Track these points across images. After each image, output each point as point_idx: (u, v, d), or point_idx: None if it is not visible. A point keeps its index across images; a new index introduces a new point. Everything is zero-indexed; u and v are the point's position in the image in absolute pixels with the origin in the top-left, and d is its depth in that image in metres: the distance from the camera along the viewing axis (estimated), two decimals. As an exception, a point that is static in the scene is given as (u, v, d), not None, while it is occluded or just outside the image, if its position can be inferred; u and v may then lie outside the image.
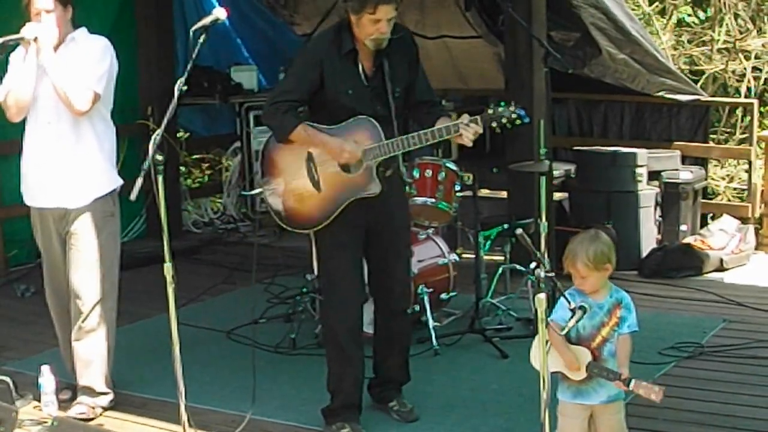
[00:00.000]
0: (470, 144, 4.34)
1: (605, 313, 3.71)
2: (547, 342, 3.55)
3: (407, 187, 4.79)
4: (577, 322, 3.60)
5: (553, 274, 3.57)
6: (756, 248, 7.73)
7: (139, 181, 3.95)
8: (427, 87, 4.72)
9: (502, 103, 4.32)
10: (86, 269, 4.81)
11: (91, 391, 4.91)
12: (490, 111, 4.31)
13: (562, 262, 3.79)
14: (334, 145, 4.44)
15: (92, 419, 4.85)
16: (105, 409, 4.95)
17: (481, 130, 4.35)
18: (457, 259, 6.20)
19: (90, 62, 4.71)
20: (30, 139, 4.83)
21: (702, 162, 8.37)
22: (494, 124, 4.32)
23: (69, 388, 5.07)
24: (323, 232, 4.58)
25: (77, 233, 4.79)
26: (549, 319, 3.63)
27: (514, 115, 4.30)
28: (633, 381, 3.57)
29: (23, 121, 4.82)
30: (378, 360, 4.90)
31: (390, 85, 4.49)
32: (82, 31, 4.84)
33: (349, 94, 4.47)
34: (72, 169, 4.75)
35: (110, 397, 4.97)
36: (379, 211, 4.57)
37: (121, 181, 4.92)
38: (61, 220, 4.82)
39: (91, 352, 4.88)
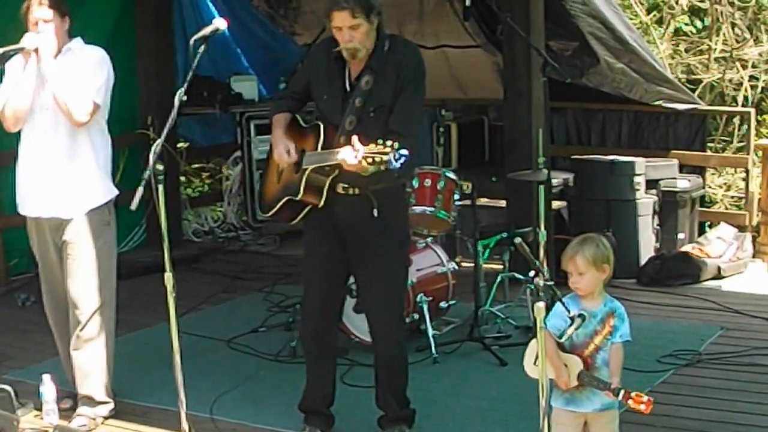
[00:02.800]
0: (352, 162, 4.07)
1: (598, 321, 3.73)
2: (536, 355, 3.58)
3: (378, 209, 4.40)
4: (576, 329, 3.63)
5: (552, 282, 3.60)
6: (753, 256, 7.73)
7: (140, 191, 3.96)
8: (401, 119, 4.32)
9: (389, 143, 4.01)
10: (83, 278, 4.82)
11: (90, 401, 4.92)
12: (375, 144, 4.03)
13: (561, 269, 3.81)
14: (275, 142, 4.50)
15: (93, 430, 4.88)
16: (105, 418, 4.96)
17: (345, 160, 4.07)
18: (456, 267, 6.22)
19: (88, 73, 4.73)
20: (26, 149, 4.84)
21: (699, 170, 8.38)
22: (369, 161, 4.02)
23: (70, 397, 5.08)
24: (303, 237, 4.68)
25: (73, 242, 4.80)
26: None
27: (385, 157, 3.96)
28: (621, 391, 3.59)
29: (22, 132, 4.83)
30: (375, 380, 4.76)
31: (359, 100, 4.31)
32: (78, 42, 4.86)
33: (324, 99, 4.45)
34: (68, 179, 4.76)
35: (110, 406, 4.98)
36: (348, 234, 4.46)
37: (116, 192, 4.94)
38: (57, 230, 4.83)
39: (90, 361, 4.89)
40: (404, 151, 3.99)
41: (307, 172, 4.36)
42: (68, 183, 4.77)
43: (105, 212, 4.89)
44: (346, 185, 4.37)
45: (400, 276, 4.67)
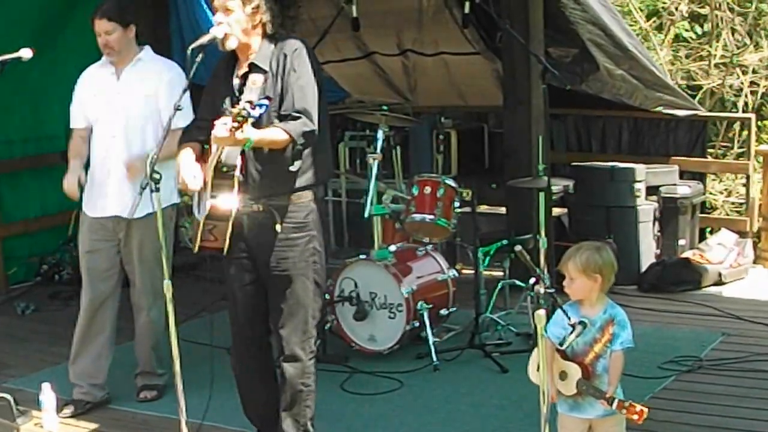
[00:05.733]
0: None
1: (597, 329, 3.71)
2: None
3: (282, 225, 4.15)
4: (577, 337, 3.62)
5: (552, 289, 3.59)
6: (754, 262, 7.74)
7: (138, 199, 3.99)
8: (295, 101, 4.07)
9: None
10: (153, 272, 5.11)
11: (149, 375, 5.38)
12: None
13: (560, 275, 3.81)
14: (180, 172, 4.16)
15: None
16: (100, 404, 5.20)
17: (215, 135, 3.87)
18: (457, 274, 6.22)
19: (174, 92, 4.81)
20: (97, 153, 5.09)
21: (700, 176, 8.37)
22: (236, 124, 3.77)
23: (70, 405, 5.09)
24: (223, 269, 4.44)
25: (140, 240, 5.08)
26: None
27: (243, 110, 3.75)
28: (615, 401, 3.58)
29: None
30: None
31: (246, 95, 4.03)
32: (148, 51, 5.13)
33: (223, 108, 4.13)
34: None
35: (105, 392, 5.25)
36: (256, 252, 4.22)
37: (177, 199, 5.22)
38: (125, 227, 5.07)
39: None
40: (264, 101, 3.85)
41: (210, 181, 4.05)
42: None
43: (170, 213, 5.18)
44: (251, 200, 4.10)
45: (303, 295, 4.23)
